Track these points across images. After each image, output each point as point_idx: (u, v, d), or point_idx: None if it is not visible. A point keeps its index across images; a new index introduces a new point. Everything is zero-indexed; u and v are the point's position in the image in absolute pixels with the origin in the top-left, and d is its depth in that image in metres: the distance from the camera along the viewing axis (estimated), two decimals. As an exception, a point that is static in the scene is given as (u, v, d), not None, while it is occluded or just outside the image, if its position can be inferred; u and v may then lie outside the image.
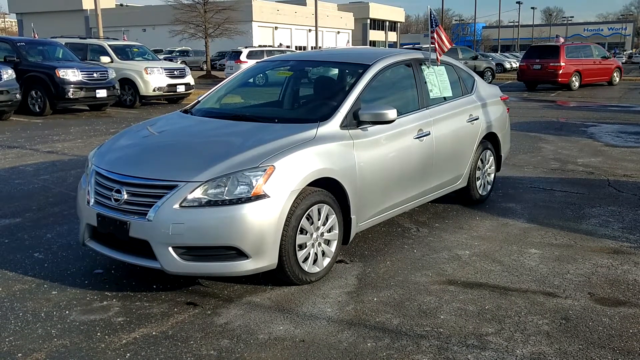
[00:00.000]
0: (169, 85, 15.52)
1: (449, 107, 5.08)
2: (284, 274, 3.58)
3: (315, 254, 3.73)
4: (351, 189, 3.88)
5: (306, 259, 3.67)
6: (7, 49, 13.27)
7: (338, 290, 3.66)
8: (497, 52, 51.86)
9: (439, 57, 5.14)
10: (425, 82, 4.93)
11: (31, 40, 14.93)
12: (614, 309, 3.41)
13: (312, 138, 3.76)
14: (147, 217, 3.34)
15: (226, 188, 3.35)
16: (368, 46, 64.05)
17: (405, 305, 3.46)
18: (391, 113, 4.02)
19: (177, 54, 43.05)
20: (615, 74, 23.08)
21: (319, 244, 3.75)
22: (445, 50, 5.24)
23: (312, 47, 56.92)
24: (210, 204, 3.32)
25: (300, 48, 57.84)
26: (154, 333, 3.11)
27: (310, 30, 61.61)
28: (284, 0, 65.32)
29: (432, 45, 5.21)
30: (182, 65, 16.96)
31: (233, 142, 3.78)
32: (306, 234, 3.63)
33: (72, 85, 12.72)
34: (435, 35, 5.21)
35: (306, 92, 5.06)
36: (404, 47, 29.38)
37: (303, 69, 5.26)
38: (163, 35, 47.36)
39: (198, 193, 3.33)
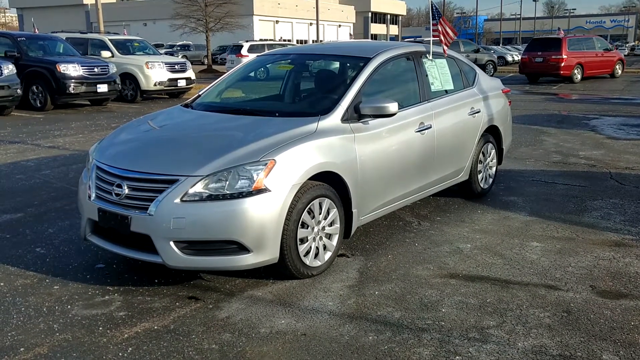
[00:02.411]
0: (170, 80, 15.50)
1: (450, 100, 5.06)
2: (285, 268, 3.59)
3: (317, 247, 3.73)
4: (352, 183, 3.88)
5: (307, 252, 3.67)
6: (7, 44, 13.25)
7: (339, 284, 3.66)
8: (499, 45, 51.67)
9: (445, 49, 5.13)
10: (427, 75, 4.91)
11: (32, 35, 14.91)
12: (616, 302, 3.40)
13: (313, 132, 3.75)
14: (148, 211, 3.34)
15: (227, 182, 3.34)
16: (369, 39, 63.89)
17: (407, 298, 3.46)
18: (392, 106, 4.01)
19: (178, 48, 42.97)
20: (617, 67, 22.97)
21: (320, 238, 3.75)
22: (451, 41, 5.23)
23: (313, 41, 56.76)
24: (212, 198, 3.32)
25: (301, 41, 57.70)
26: (155, 327, 3.11)
27: (311, 24, 61.46)
28: (284, -6, 65.04)
29: (435, 38, 5.19)
30: (183, 60, 16.92)
31: (234, 136, 3.78)
32: (307, 228, 3.63)
33: (73, 80, 12.71)
34: (440, 27, 5.18)
35: (307, 85, 5.05)
36: (406, 40, 29.27)
37: (304, 62, 5.24)
38: (164, 30, 47.22)
39: (199, 187, 3.33)
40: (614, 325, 3.12)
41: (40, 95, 12.88)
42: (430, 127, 4.67)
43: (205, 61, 35.15)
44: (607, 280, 3.72)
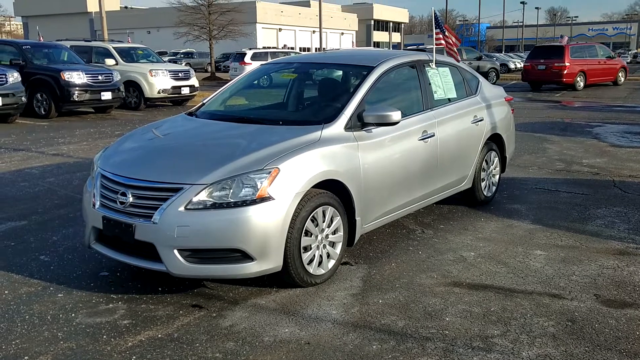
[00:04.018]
0: (174, 87, 15.55)
1: (453, 109, 5.08)
2: (289, 276, 3.59)
3: (320, 256, 3.73)
4: (356, 191, 3.88)
5: (311, 261, 3.67)
6: (12, 52, 13.33)
7: (343, 293, 3.65)
8: (501, 53, 51.74)
9: (456, 56, 5.19)
10: (430, 84, 4.93)
11: (36, 43, 15.01)
12: (621, 311, 3.39)
13: (317, 140, 3.76)
14: (152, 219, 3.35)
15: (231, 190, 3.35)
16: (372, 47, 64.08)
17: (411, 307, 3.45)
18: (395, 115, 4.02)
19: (182, 56, 43.16)
20: (620, 74, 22.98)
21: (324, 246, 3.75)
22: (455, 48, 5.26)
23: (316, 49, 56.95)
24: (215, 206, 3.32)
25: (304, 49, 57.89)
26: (159, 336, 3.12)
27: (314, 32, 61.62)
28: (288, 2, 65.46)
29: (441, 46, 5.22)
30: (187, 67, 16.99)
31: (238, 144, 3.79)
32: (311, 236, 3.63)
33: (77, 88, 12.77)
34: (442, 36, 5.22)
35: (310, 94, 5.07)
36: (408, 48, 29.34)
37: (307, 71, 5.26)
38: (167, 37, 47.45)
39: (203, 196, 3.34)
40: (619, 335, 3.11)
41: (44, 102, 12.94)
42: (434, 136, 4.68)
43: (209, 69, 35.27)
44: (612, 289, 3.71)
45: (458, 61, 5.22)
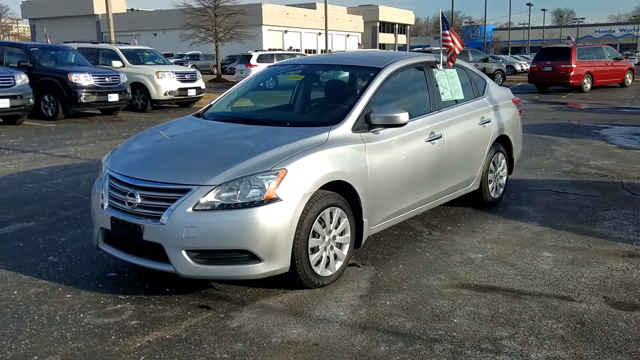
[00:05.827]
0: (180, 89, 15.60)
1: (460, 110, 5.06)
2: (296, 277, 3.59)
3: (328, 257, 3.73)
4: (363, 192, 3.88)
5: (318, 262, 3.67)
6: (20, 54, 13.42)
7: (350, 294, 3.65)
8: (507, 54, 51.61)
9: (454, 59, 5.14)
10: (437, 85, 4.92)
11: (44, 45, 15.09)
12: (630, 313, 3.37)
13: (324, 141, 3.76)
14: (160, 220, 3.36)
15: (239, 191, 3.36)
16: (378, 49, 64.05)
17: (418, 308, 3.44)
18: (403, 116, 4.02)
19: (188, 58, 43.28)
20: (627, 76, 22.87)
21: (331, 247, 3.75)
22: (458, 52, 5.23)
23: (322, 51, 57.00)
24: (223, 207, 3.33)
25: (310, 51, 57.96)
26: (167, 336, 3.12)
27: (320, 34, 61.76)
28: (293, 4, 65.60)
29: (444, 48, 5.20)
30: (193, 69, 17.03)
31: (245, 145, 3.80)
32: (318, 237, 3.63)
33: (84, 90, 12.83)
34: (449, 38, 5.19)
35: (317, 95, 5.07)
36: (414, 49, 29.29)
37: (314, 72, 5.26)
38: (174, 40, 47.61)
39: (211, 197, 3.34)
40: (629, 338, 3.09)
41: (52, 104, 13.01)
42: (441, 137, 4.67)
43: (215, 71, 35.36)
44: (621, 291, 3.68)
45: (448, 66, 5.13)
